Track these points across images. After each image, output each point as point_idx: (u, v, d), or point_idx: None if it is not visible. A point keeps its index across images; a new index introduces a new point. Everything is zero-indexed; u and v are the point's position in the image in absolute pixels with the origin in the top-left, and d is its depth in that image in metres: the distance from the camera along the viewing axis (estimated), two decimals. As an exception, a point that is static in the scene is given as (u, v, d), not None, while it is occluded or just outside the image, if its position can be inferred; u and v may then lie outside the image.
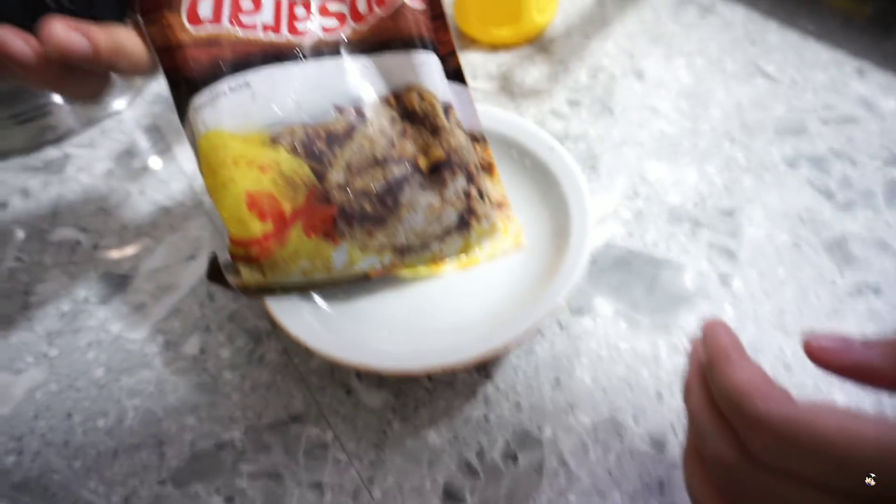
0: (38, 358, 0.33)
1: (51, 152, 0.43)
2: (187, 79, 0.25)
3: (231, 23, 0.26)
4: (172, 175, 0.40)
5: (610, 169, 0.37)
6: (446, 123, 0.28)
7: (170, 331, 0.33)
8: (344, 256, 0.28)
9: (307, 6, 0.28)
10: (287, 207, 0.26)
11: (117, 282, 0.36)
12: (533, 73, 0.43)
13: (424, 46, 0.28)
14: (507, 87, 0.43)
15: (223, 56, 0.26)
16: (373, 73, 0.28)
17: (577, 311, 0.32)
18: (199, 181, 0.40)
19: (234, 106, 0.26)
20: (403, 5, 0.27)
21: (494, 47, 0.45)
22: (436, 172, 0.28)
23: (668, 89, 0.41)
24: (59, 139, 0.44)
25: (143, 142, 0.43)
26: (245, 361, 0.32)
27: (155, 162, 0.41)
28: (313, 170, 0.27)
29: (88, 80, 0.24)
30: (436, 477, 0.27)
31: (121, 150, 0.42)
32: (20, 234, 0.39)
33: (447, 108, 0.28)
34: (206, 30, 0.25)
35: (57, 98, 0.44)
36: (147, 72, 0.25)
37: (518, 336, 0.26)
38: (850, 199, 0.35)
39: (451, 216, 0.30)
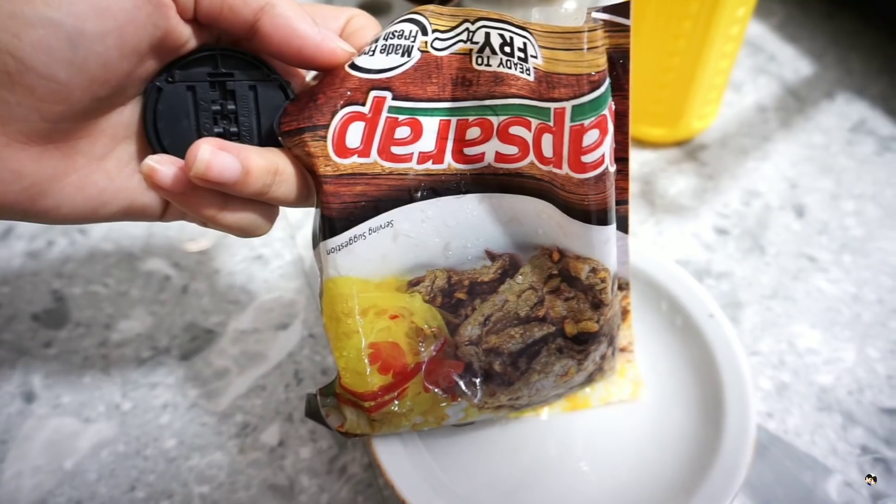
0: (110, 409, 0.31)
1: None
2: (324, 217, 0.22)
3: (381, 155, 0.22)
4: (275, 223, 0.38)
5: (754, 325, 0.33)
6: (609, 298, 0.24)
7: (250, 410, 0.31)
8: (460, 413, 0.24)
9: (483, 126, 0.23)
10: (410, 361, 0.23)
11: (203, 337, 0.33)
12: (679, 182, 0.39)
13: (611, 221, 0.23)
14: (649, 195, 0.39)
15: (367, 194, 0.22)
16: (544, 221, 0.24)
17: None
18: (302, 235, 0.38)
19: (371, 249, 0.22)
20: (606, 171, 0.22)
21: (640, 143, 0.41)
22: (581, 342, 0.25)
23: (831, 237, 0.37)
24: None
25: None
26: (325, 469, 0.29)
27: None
28: (447, 322, 0.24)
29: (248, 210, 0.21)
30: None
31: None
32: (111, 255, 0.37)
33: (614, 281, 0.24)
34: (353, 162, 0.21)
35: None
36: (306, 202, 0.22)
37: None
38: None
39: (581, 378, 0.26)
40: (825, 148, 0.41)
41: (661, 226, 0.37)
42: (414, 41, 0.21)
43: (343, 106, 0.21)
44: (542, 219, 0.24)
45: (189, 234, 0.37)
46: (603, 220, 0.22)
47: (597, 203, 0.22)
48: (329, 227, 0.22)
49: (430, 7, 0.21)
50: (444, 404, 0.24)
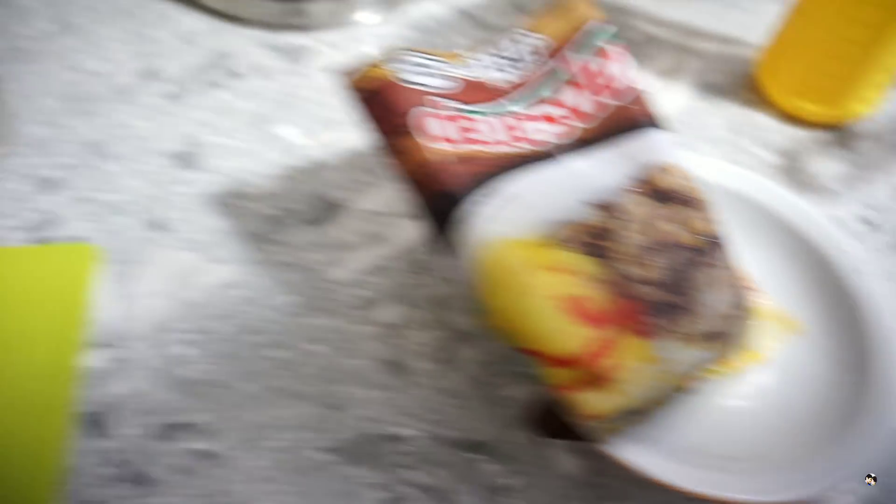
0: (238, 256, 0.31)
1: (296, 38, 0.41)
2: (445, 192, 0.24)
3: (467, 142, 0.25)
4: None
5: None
6: (701, 193, 0.26)
7: (370, 286, 0.31)
8: (670, 354, 0.23)
9: (532, 119, 0.27)
10: (597, 308, 0.23)
11: (328, 207, 0.33)
12: (827, 166, 0.38)
13: (655, 124, 0.27)
14: (793, 171, 0.37)
15: (476, 170, 0.25)
16: (612, 166, 0.26)
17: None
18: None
19: (504, 213, 0.24)
20: (639, 92, 0.28)
21: (788, 117, 0.39)
22: (706, 249, 0.25)
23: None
24: (304, 27, 0.41)
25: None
26: (440, 357, 0.29)
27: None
28: (603, 267, 0.23)
29: None
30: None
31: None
32: (244, 113, 0.37)
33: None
34: (447, 148, 0.25)
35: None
36: None
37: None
38: None
39: (732, 294, 0.25)
40: None
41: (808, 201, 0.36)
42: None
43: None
44: (609, 164, 0.26)
45: (323, 105, 0.37)
46: (644, 126, 0.27)
47: (639, 115, 0.27)
48: (451, 199, 0.24)
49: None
50: (650, 348, 0.23)
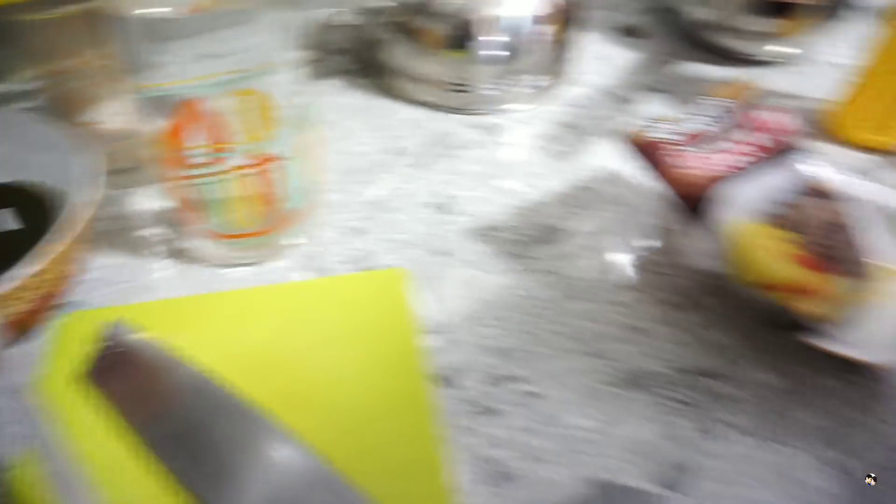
0: (515, 266, 0.45)
1: (488, 119, 0.56)
2: (698, 196, 0.40)
3: (700, 166, 0.41)
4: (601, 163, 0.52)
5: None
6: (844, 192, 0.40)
7: (604, 279, 0.44)
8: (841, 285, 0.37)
9: (733, 151, 0.42)
10: (801, 258, 0.37)
11: (553, 231, 0.47)
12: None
13: (806, 149, 0.42)
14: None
15: (712, 181, 0.41)
16: (788, 176, 0.41)
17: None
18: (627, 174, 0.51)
19: (735, 207, 0.39)
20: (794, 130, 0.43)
21: (866, 149, 0.54)
22: (850, 224, 0.39)
23: None
24: (485, 111, 0.57)
25: (566, 134, 0.55)
26: (667, 320, 0.42)
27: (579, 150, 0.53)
28: (799, 237, 0.39)
29: None
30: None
31: (547, 136, 0.55)
32: (473, 173, 0.51)
33: None
34: (691, 171, 0.41)
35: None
36: None
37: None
38: None
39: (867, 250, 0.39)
40: None
41: None
42: None
43: None
44: (788, 176, 0.42)
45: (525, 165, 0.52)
46: (804, 150, 0.43)
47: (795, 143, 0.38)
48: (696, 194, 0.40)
49: None
50: (832, 280, 0.37)
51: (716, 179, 0.40)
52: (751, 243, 0.38)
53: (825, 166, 0.42)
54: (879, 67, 0.51)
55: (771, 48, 0.62)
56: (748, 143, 0.42)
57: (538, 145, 0.54)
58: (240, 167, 0.38)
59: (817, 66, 0.63)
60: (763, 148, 0.42)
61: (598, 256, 0.45)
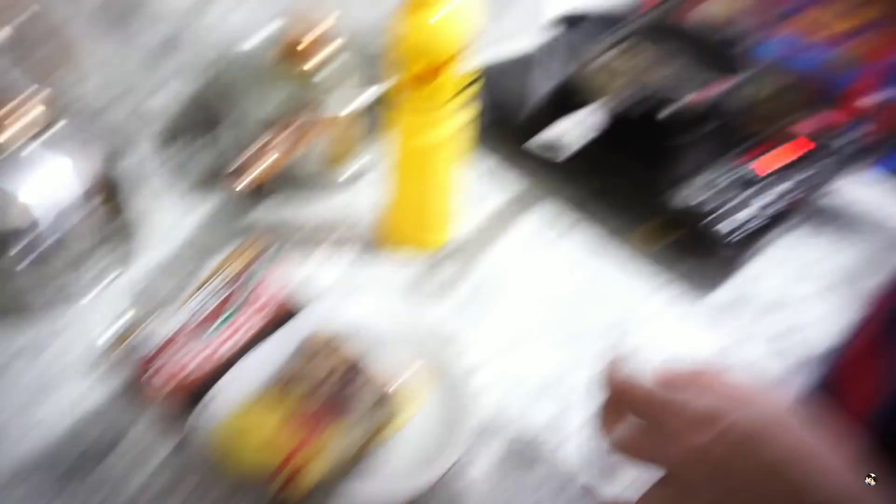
0: None
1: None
2: (185, 401, 0.40)
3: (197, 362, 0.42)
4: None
5: (495, 354, 0.52)
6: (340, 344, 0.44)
7: None
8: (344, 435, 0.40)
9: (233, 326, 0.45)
10: (294, 422, 0.39)
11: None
12: (441, 276, 0.59)
13: (312, 303, 0.46)
14: (417, 286, 0.58)
15: (205, 377, 0.42)
16: (287, 341, 0.43)
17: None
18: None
19: (226, 396, 0.41)
20: (298, 287, 0.45)
21: (414, 253, 0.61)
22: (354, 369, 0.42)
23: (536, 293, 0.58)
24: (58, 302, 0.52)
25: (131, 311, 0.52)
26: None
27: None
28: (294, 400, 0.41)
29: None
30: None
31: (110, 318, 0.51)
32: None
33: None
34: (185, 371, 0.42)
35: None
36: None
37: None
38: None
39: (379, 389, 0.43)
40: (531, 235, 0.64)
41: (432, 308, 0.56)
42: None
43: None
44: (293, 332, 0.46)
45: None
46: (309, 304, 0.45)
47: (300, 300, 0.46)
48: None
49: None
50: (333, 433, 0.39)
51: (211, 372, 0.41)
52: (240, 436, 0.38)
53: (335, 310, 0.45)
54: (395, 172, 0.58)
55: (331, 176, 0.68)
56: (254, 311, 0.44)
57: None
58: None
59: (370, 181, 0.69)
60: (268, 313, 0.44)
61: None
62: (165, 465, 0.42)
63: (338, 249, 0.61)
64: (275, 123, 0.59)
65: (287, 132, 0.57)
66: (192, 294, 0.44)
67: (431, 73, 0.48)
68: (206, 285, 0.45)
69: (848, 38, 0.69)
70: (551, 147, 0.54)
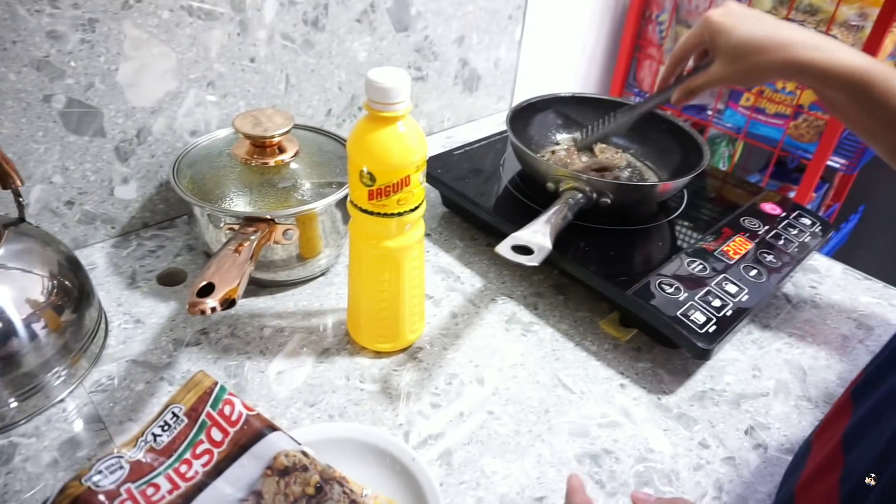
0: None
1: (-5, 441, 0.49)
2: None
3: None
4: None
5: (462, 463, 0.51)
6: (308, 461, 0.42)
7: None
8: None
9: (189, 462, 0.42)
10: None
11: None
12: (406, 377, 0.59)
13: (272, 428, 0.44)
14: (387, 389, 0.57)
15: None
16: (249, 467, 0.42)
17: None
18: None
19: None
20: (254, 415, 0.44)
21: (378, 354, 0.61)
22: (323, 489, 0.41)
23: (499, 395, 0.58)
24: (4, 428, 0.50)
25: (85, 432, 0.51)
26: None
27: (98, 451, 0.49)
28: None
29: None
30: None
31: (64, 440, 0.50)
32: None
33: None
34: None
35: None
36: None
37: None
38: (614, 489, 0.51)
39: None
40: (493, 335, 0.64)
41: (398, 409, 0.55)
42: None
43: None
44: (254, 458, 0.44)
45: (40, 493, 0.46)
46: (269, 429, 0.44)
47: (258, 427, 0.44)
48: None
49: None
50: None
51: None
52: None
53: (294, 434, 0.44)
54: (355, 277, 0.58)
55: (295, 272, 0.68)
56: (211, 444, 0.43)
57: (54, 459, 0.49)
58: None
59: (334, 280, 0.70)
60: (225, 443, 0.43)
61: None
62: None
63: (301, 351, 0.60)
64: (240, 221, 0.59)
65: (252, 232, 0.57)
66: (145, 429, 0.43)
67: (389, 187, 0.49)
68: (158, 419, 0.44)
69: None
70: (521, 250, 0.55)
